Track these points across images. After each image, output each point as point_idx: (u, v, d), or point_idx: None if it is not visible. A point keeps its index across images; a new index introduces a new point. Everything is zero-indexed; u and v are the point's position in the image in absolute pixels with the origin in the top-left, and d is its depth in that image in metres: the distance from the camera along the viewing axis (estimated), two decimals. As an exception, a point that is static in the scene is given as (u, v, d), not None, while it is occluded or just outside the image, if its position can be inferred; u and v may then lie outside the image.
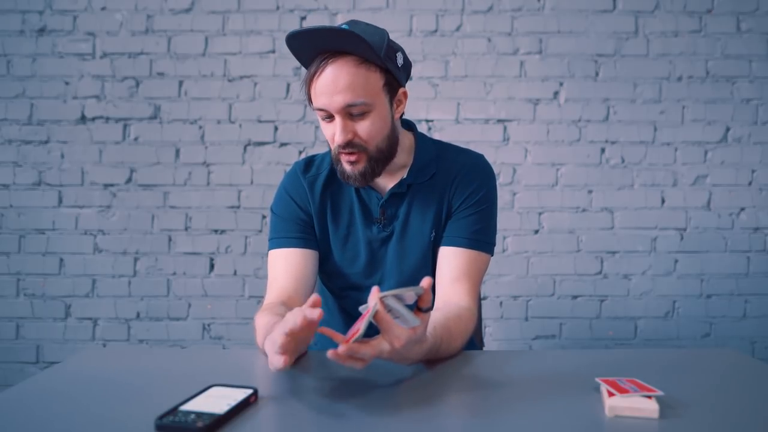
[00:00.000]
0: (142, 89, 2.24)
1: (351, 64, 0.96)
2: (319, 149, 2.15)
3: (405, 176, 1.10)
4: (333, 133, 1.00)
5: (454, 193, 1.10)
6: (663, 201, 2.26)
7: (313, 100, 1.01)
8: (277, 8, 2.24)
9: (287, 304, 1.00)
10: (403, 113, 1.10)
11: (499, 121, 2.26)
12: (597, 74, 2.25)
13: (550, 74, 2.25)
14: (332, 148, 1.04)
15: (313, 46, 0.97)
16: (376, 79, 0.99)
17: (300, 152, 2.25)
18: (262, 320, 0.92)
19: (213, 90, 2.25)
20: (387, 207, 1.10)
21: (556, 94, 2.26)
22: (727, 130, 2.25)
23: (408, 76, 1.09)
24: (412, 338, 0.74)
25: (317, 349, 1.08)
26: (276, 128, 2.25)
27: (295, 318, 0.71)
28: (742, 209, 2.26)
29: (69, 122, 2.24)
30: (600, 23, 2.25)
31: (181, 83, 2.25)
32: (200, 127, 2.25)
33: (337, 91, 0.96)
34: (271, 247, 1.11)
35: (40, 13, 2.23)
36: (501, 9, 2.24)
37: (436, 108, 2.25)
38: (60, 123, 2.24)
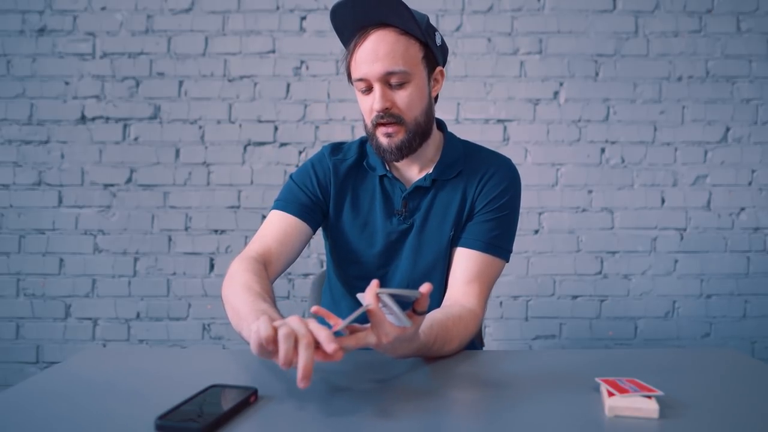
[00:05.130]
0: (142, 89, 2.24)
1: (392, 33, 0.98)
2: (319, 149, 2.15)
3: (430, 171, 1.10)
4: (371, 104, 1.00)
5: (479, 193, 1.10)
6: (663, 201, 2.26)
7: (353, 72, 1.02)
8: (277, 8, 2.24)
9: (265, 262, 1.00)
10: (438, 94, 1.12)
11: (499, 121, 2.26)
12: (597, 74, 2.25)
13: (550, 74, 2.25)
14: (368, 124, 1.04)
15: (355, 19, 0.98)
16: (416, 50, 1.01)
17: (300, 152, 2.25)
18: (238, 283, 0.89)
19: (213, 90, 2.25)
20: (409, 200, 1.10)
21: (556, 94, 2.26)
22: (727, 130, 2.25)
23: (445, 59, 1.11)
24: (401, 337, 0.74)
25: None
26: (276, 128, 2.25)
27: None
28: (742, 209, 2.26)
29: (69, 122, 2.24)
30: (600, 23, 2.25)
31: (181, 83, 2.24)
32: (200, 127, 2.25)
33: (377, 59, 0.97)
34: (274, 207, 1.10)
35: (40, 13, 2.23)
36: (501, 9, 2.24)
37: (436, 108, 2.25)
38: (60, 123, 2.24)
